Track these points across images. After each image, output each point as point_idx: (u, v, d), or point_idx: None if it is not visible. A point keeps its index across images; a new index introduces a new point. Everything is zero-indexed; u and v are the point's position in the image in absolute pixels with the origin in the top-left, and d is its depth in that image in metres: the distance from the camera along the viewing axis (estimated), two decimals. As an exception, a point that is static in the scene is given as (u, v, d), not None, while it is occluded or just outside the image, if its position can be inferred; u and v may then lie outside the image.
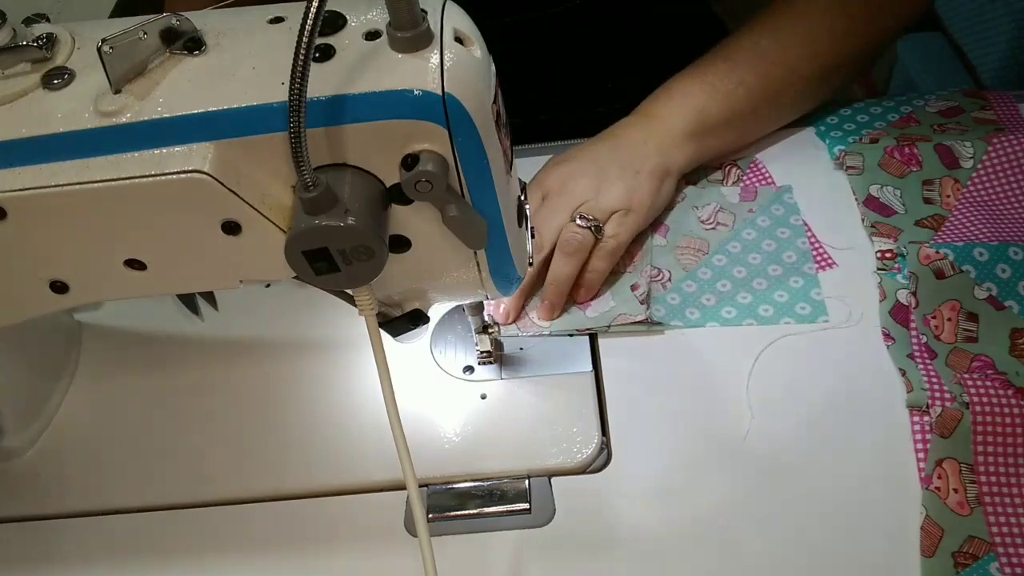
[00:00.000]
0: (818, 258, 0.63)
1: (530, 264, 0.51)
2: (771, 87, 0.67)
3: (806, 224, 0.65)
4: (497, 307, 0.61)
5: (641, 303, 0.60)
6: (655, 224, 0.66)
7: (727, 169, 0.69)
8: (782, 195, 0.67)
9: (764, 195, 0.67)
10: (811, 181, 0.68)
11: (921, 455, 0.52)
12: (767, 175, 0.69)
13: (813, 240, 0.64)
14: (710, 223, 0.66)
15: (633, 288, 0.61)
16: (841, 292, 0.61)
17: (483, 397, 0.58)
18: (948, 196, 0.64)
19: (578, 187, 0.62)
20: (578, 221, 0.61)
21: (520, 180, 0.48)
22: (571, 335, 0.61)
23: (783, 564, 0.50)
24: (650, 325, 0.60)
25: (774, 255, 0.63)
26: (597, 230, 0.61)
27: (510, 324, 0.62)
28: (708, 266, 0.63)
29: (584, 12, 0.74)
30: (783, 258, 0.63)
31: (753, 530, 0.51)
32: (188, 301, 0.66)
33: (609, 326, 0.60)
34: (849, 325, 0.59)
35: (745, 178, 0.69)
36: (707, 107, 0.65)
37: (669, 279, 0.63)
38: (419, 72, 0.38)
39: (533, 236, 0.52)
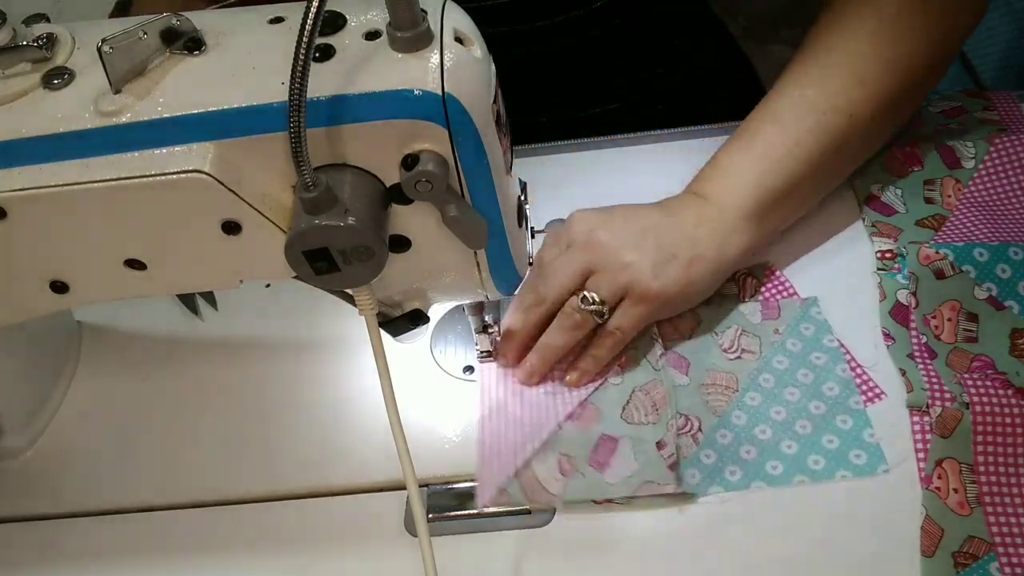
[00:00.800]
0: (863, 387, 0.55)
1: (530, 263, 0.51)
2: (830, 140, 0.58)
3: (842, 345, 0.57)
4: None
5: (670, 468, 0.52)
6: (675, 360, 0.58)
7: (742, 280, 0.61)
8: (808, 309, 0.59)
9: (789, 310, 0.59)
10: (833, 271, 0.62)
11: (921, 455, 0.52)
12: (787, 285, 0.61)
13: (854, 365, 0.56)
14: (734, 351, 0.58)
15: (659, 447, 0.53)
16: (894, 430, 0.53)
17: (483, 397, 0.58)
18: (949, 196, 0.64)
19: (602, 245, 0.56)
20: (580, 304, 0.55)
21: (520, 180, 0.48)
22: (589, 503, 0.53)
23: (783, 563, 0.50)
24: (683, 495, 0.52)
25: (813, 388, 0.56)
26: (600, 315, 0.55)
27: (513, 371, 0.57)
28: (741, 408, 0.55)
29: (586, 21, 0.74)
30: (823, 391, 0.55)
31: (753, 530, 0.51)
32: (188, 301, 0.66)
33: (633, 496, 0.52)
34: (903, 461, 0.52)
35: (764, 290, 0.61)
36: (763, 181, 0.58)
37: (699, 428, 0.55)
38: (419, 72, 0.38)
39: (533, 236, 0.51)
